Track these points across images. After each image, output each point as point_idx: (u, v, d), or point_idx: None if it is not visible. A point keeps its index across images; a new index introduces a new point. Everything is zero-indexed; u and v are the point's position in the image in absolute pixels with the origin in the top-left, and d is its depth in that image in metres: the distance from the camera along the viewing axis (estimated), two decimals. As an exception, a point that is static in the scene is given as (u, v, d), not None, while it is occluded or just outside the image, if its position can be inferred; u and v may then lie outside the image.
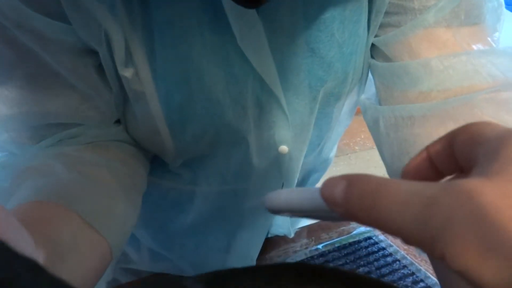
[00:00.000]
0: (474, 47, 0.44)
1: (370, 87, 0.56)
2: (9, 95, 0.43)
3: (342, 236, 0.71)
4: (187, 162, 0.53)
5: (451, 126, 0.43)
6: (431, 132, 0.44)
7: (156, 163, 0.55)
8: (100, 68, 0.44)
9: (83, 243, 0.37)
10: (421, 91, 0.45)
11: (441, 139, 0.26)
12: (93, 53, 0.43)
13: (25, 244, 0.27)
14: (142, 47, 0.42)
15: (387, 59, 0.48)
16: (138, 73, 0.43)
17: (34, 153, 0.45)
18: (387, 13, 0.46)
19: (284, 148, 0.52)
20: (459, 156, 0.25)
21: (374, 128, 0.51)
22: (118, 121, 0.50)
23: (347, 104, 0.55)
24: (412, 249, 0.66)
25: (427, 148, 0.27)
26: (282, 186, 0.58)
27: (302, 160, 0.55)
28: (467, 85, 0.43)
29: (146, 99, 0.44)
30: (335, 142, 0.69)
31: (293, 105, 0.49)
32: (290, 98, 0.48)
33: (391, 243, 0.68)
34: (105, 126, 0.48)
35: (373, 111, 0.51)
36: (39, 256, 0.29)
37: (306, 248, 0.69)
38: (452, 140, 0.25)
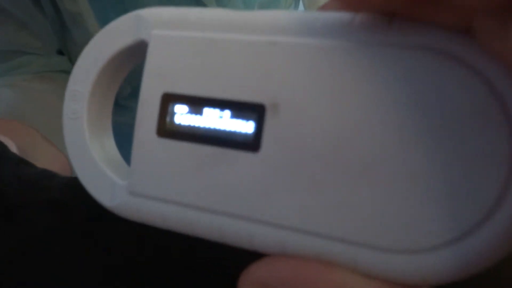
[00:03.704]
0: None
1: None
2: None
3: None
4: (135, 93, 0.52)
5: None
6: None
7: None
8: None
9: (43, 154, 0.37)
10: None
11: None
12: None
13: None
14: None
15: None
16: None
17: None
18: None
19: None
20: None
21: None
22: (62, 53, 0.49)
23: None
24: None
25: None
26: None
27: None
28: None
29: (83, 20, 0.43)
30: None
31: None
32: None
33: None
34: (48, 55, 0.46)
35: None
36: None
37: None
38: None
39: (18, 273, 0.22)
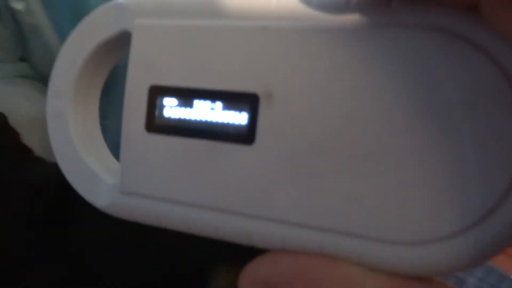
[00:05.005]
0: None
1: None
2: None
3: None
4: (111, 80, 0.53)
5: None
6: None
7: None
8: None
9: None
10: None
11: None
12: None
13: None
14: None
15: None
16: (30, 5, 0.42)
17: None
18: None
19: None
20: None
21: None
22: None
23: None
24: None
25: None
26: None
27: None
28: None
29: (41, 31, 0.43)
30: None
31: None
32: None
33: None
34: (12, 62, 0.47)
35: None
36: None
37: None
38: None
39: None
